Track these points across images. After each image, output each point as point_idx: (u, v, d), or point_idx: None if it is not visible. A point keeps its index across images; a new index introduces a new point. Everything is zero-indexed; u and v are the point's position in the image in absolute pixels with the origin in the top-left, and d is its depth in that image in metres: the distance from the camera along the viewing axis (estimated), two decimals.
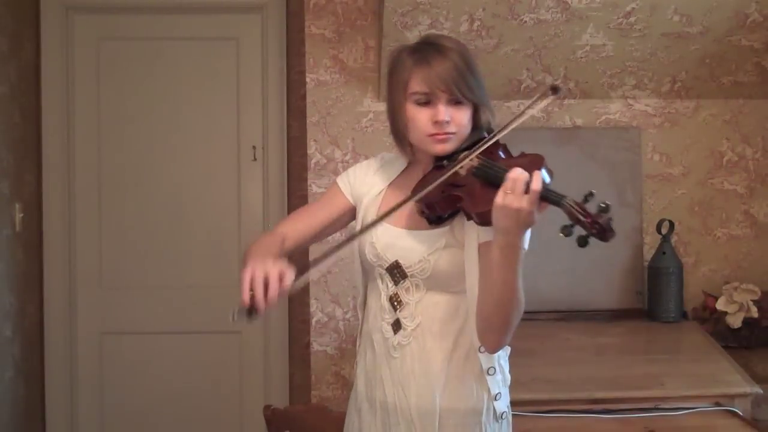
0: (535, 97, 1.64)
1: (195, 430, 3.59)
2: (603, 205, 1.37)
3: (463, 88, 1.61)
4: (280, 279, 1.53)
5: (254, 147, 3.56)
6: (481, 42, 2.94)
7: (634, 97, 3.24)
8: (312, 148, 3.23)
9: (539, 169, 1.45)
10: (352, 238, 1.67)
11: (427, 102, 1.64)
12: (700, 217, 3.27)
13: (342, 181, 1.84)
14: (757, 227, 3.27)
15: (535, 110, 1.64)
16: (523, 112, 1.60)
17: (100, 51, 3.54)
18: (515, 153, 1.64)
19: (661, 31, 2.94)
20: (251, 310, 1.52)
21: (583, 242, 1.40)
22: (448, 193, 1.59)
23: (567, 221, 1.41)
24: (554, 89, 1.59)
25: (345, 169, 3.13)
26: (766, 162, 3.27)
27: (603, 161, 3.21)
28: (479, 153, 1.58)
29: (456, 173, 1.60)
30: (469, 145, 1.63)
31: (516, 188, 1.43)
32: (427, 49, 1.65)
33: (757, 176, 3.27)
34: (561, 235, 1.41)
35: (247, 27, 3.56)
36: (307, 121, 3.23)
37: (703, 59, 3.07)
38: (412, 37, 2.93)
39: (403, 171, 1.80)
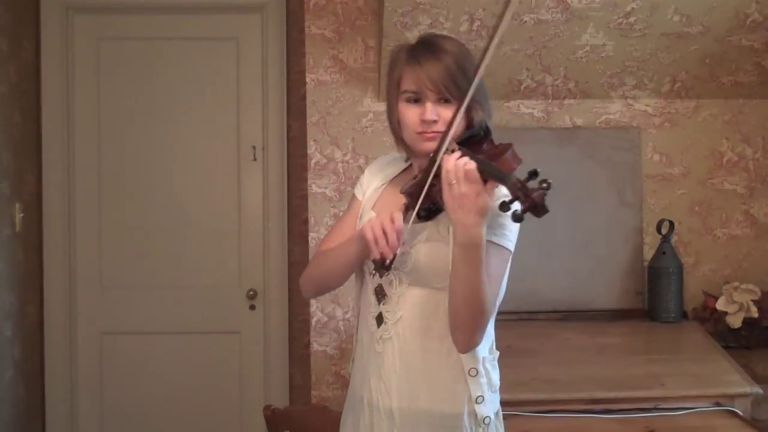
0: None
1: (195, 430, 3.59)
2: (545, 184, 1.40)
3: (452, 87, 1.62)
4: (392, 222, 1.59)
5: (254, 147, 3.56)
6: (482, 42, 2.93)
7: (634, 97, 3.24)
8: (312, 148, 3.23)
9: (503, 153, 1.49)
10: None
11: (417, 100, 1.66)
12: (700, 217, 3.27)
13: (357, 189, 1.88)
14: (757, 227, 3.27)
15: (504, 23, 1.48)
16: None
17: (100, 51, 3.54)
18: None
19: (661, 31, 2.94)
20: (383, 261, 1.61)
21: (517, 218, 1.42)
22: (430, 185, 1.62)
23: (509, 198, 1.44)
24: None
25: (345, 169, 3.21)
26: (766, 162, 3.27)
27: (603, 161, 3.21)
28: (464, 146, 1.58)
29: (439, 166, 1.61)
30: (462, 140, 1.63)
31: (457, 177, 1.46)
32: (421, 48, 1.67)
33: (757, 176, 3.27)
34: (500, 211, 1.44)
35: (247, 27, 3.56)
36: (307, 121, 3.23)
37: (703, 59, 3.07)
38: (412, 37, 2.91)
39: (404, 170, 1.82)
